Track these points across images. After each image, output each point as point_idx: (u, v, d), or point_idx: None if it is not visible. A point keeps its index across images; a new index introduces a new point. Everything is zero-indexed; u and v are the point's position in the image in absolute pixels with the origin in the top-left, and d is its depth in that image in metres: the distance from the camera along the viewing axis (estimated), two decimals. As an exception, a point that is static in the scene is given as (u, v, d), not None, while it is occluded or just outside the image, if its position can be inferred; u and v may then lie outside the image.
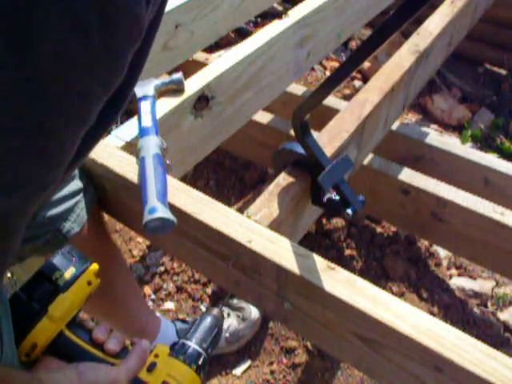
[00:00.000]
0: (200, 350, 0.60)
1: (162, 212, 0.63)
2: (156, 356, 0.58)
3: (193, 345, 0.60)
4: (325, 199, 0.78)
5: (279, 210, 0.76)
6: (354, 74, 2.45)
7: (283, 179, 0.81)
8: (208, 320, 0.64)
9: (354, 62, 0.58)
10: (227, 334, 1.39)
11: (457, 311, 1.50)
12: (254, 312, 1.44)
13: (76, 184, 0.84)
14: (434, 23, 1.23)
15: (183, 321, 1.37)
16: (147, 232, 0.64)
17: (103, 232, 0.99)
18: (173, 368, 0.57)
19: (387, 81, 1.04)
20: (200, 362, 0.59)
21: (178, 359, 0.58)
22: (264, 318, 1.47)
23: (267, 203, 0.77)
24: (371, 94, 1.00)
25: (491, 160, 1.32)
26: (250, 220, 0.70)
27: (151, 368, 0.57)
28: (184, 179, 0.79)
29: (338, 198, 0.77)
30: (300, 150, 0.79)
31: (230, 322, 1.40)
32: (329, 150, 0.86)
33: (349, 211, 0.75)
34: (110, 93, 0.38)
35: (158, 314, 1.32)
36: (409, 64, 1.09)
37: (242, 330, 1.41)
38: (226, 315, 1.42)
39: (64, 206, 0.82)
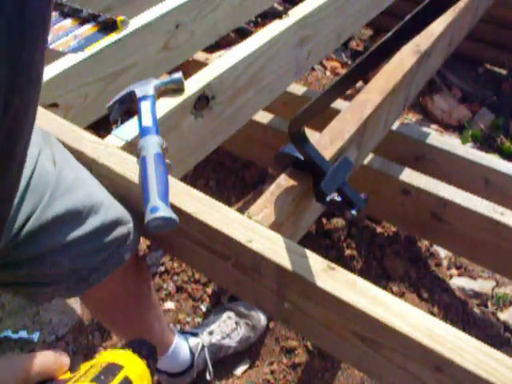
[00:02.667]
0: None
1: (164, 211, 0.63)
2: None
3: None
4: (328, 199, 0.79)
5: (280, 211, 0.76)
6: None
7: (284, 180, 0.81)
8: None
9: (353, 77, 0.57)
10: (237, 344, 1.38)
11: (457, 311, 1.50)
12: (262, 319, 1.43)
13: (120, 231, 0.74)
14: (435, 23, 1.23)
15: (193, 333, 1.36)
16: (149, 231, 0.64)
17: (136, 266, 0.90)
18: (106, 355, 0.51)
19: (388, 81, 1.03)
20: (139, 350, 0.53)
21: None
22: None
23: (268, 204, 0.77)
24: (372, 94, 1.00)
25: (491, 160, 1.32)
26: (251, 220, 0.70)
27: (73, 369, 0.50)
28: (184, 179, 0.79)
29: (340, 199, 0.77)
30: (299, 154, 0.80)
31: (241, 334, 1.39)
32: (330, 151, 0.86)
33: (353, 212, 0.75)
34: None
35: (172, 327, 1.32)
36: (410, 64, 1.08)
37: (252, 337, 1.41)
38: (235, 324, 1.40)
39: (98, 258, 0.73)
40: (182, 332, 1.35)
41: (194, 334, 1.35)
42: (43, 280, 0.74)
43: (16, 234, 0.65)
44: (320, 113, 0.67)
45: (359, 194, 0.77)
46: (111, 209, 0.74)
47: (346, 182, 0.77)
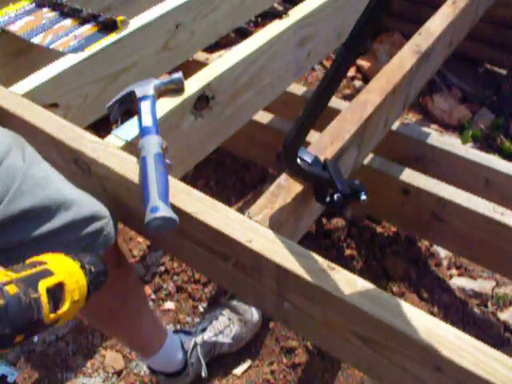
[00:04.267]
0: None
1: (164, 211, 0.63)
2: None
3: None
4: (327, 199, 0.79)
5: (280, 211, 0.76)
6: (353, 73, 2.45)
7: (284, 180, 0.81)
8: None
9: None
10: (231, 341, 1.38)
11: (457, 311, 1.50)
12: (255, 314, 1.43)
13: (94, 226, 0.75)
14: (436, 24, 1.23)
15: (186, 332, 1.36)
16: (149, 231, 0.64)
17: (115, 260, 0.92)
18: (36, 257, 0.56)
19: (388, 81, 1.03)
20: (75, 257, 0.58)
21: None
22: (264, 318, 1.47)
23: (268, 204, 0.77)
24: (372, 94, 1.00)
25: (491, 160, 1.32)
26: (250, 220, 0.70)
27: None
28: (184, 179, 0.79)
29: (339, 196, 0.78)
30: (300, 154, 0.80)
31: (235, 330, 1.39)
32: (330, 151, 0.86)
33: (364, 197, 0.78)
34: None
35: (165, 326, 1.31)
36: (410, 64, 1.08)
37: (245, 333, 1.41)
38: (227, 321, 1.41)
39: (70, 253, 0.72)
40: (176, 331, 1.35)
41: (187, 333, 1.35)
42: None
43: None
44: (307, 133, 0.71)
45: (353, 180, 0.82)
46: (84, 205, 0.75)
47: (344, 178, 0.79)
